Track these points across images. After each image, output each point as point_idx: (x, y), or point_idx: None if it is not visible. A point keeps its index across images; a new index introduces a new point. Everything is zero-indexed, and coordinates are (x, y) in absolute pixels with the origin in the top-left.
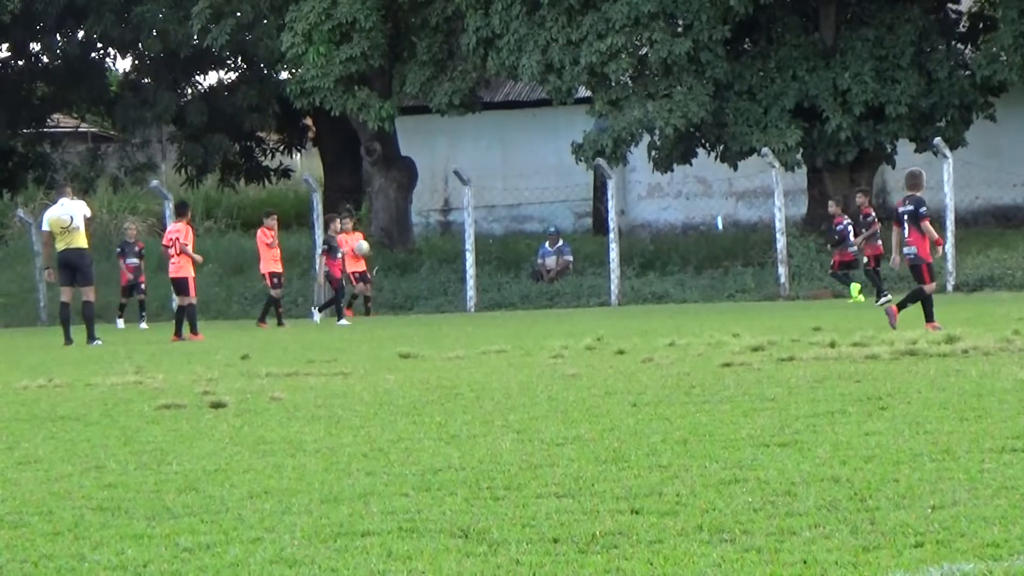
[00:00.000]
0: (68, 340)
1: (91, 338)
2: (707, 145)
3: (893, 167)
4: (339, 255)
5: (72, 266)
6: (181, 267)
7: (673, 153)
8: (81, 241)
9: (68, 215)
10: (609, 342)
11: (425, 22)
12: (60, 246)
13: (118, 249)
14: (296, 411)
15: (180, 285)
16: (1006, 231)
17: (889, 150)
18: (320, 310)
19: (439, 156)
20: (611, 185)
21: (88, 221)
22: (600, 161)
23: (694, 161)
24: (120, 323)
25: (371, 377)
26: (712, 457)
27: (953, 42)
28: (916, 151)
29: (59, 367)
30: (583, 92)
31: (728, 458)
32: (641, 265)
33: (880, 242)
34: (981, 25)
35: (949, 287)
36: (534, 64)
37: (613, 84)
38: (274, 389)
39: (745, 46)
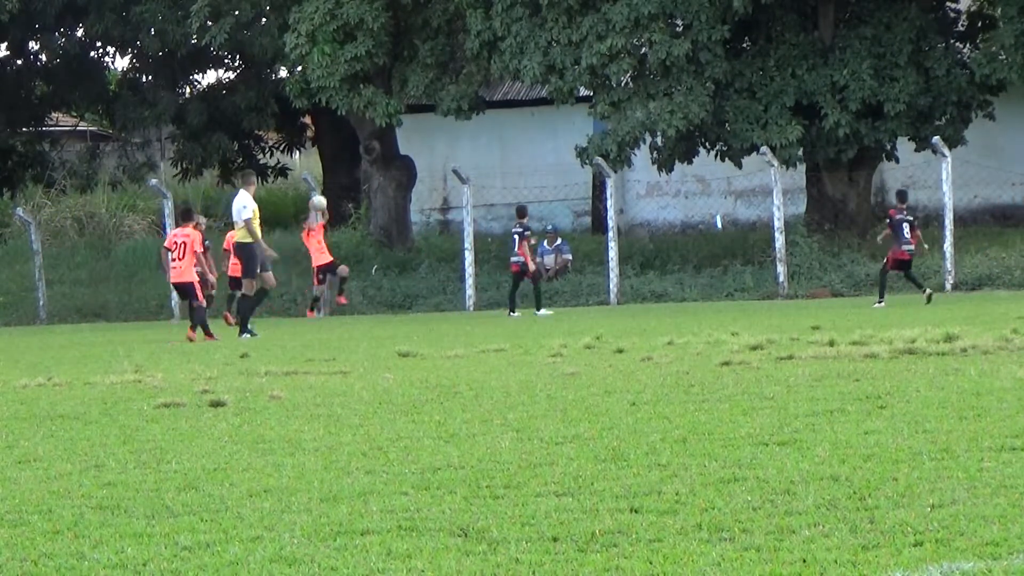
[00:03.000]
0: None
1: (242, 330)
2: (708, 144)
3: (897, 161)
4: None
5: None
6: (184, 272)
7: (675, 153)
8: (240, 235)
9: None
10: (608, 341)
11: (426, 22)
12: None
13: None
14: (295, 410)
15: (185, 290)
16: (1005, 230)
17: (889, 147)
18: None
19: (438, 155)
20: (610, 184)
21: (254, 216)
22: (599, 160)
23: (693, 160)
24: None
25: (370, 376)
26: (711, 456)
27: (952, 40)
28: (915, 150)
29: (58, 366)
30: (583, 91)
31: (727, 457)
32: (640, 264)
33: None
34: (980, 24)
35: (948, 286)
36: (536, 66)
37: (614, 85)
38: (273, 388)
39: (744, 45)
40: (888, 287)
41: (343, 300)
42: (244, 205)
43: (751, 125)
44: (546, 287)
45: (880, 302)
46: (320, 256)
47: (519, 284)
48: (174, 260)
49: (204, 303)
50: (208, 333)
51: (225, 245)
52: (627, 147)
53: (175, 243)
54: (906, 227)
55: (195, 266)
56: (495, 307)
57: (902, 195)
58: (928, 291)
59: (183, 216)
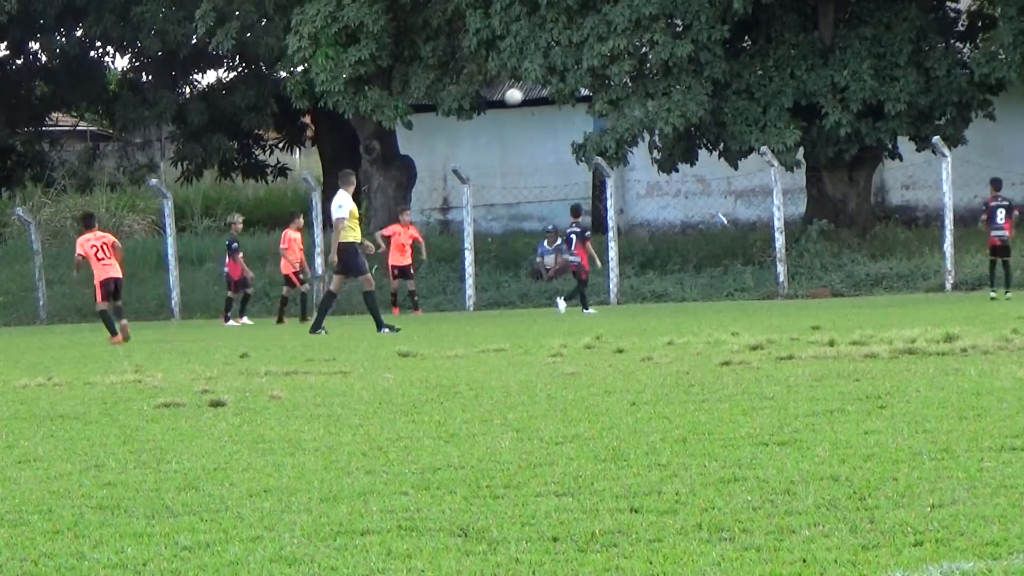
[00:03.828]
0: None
1: (380, 326)
2: (707, 144)
3: (901, 159)
4: (241, 256)
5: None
6: (117, 268)
7: (675, 153)
8: (342, 234)
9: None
10: (608, 341)
11: (427, 23)
12: None
13: (233, 245)
14: (295, 410)
15: (119, 286)
16: None
17: (890, 146)
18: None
19: (438, 155)
20: (610, 184)
21: (351, 215)
22: (599, 160)
23: (694, 161)
24: (238, 320)
25: (370, 376)
26: (711, 456)
27: (952, 40)
28: (916, 150)
29: (58, 366)
30: (583, 92)
31: (727, 457)
32: (640, 264)
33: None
34: (980, 23)
35: (948, 286)
36: (537, 67)
37: (614, 85)
38: (273, 387)
39: (744, 45)
40: (889, 286)
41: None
42: (340, 204)
43: (749, 127)
44: (546, 287)
45: (993, 292)
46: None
47: (585, 282)
48: (103, 260)
49: (105, 307)
50: (113, 332)
51: (283, 244)
52: (625, 145)
53: (96, 246)
54: (1001, 212)
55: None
56: (495, 307)
57: (996, 182)
58: (1007, 292)
59: (85, 222)
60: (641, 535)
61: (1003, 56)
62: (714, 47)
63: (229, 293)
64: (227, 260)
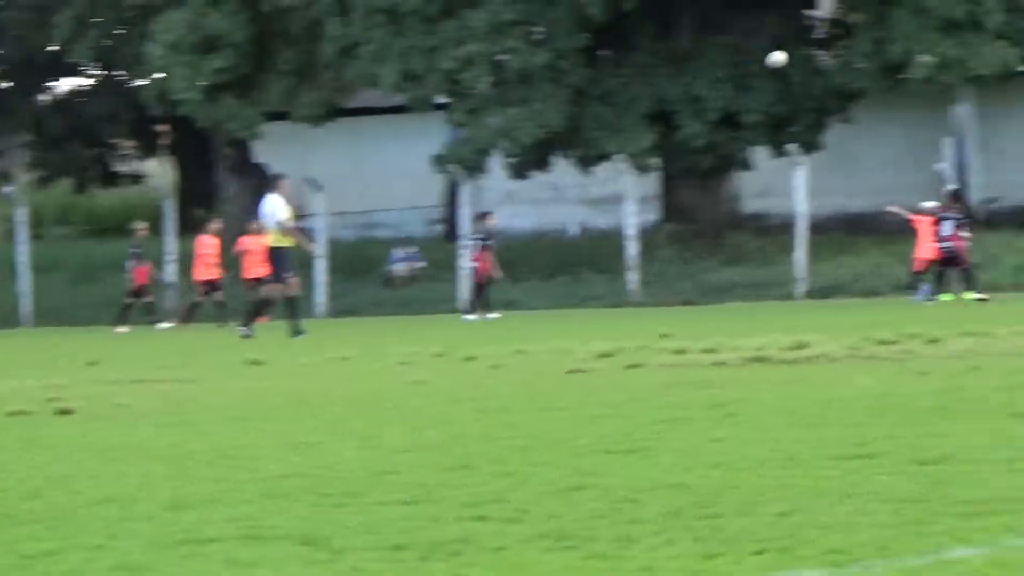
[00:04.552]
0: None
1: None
2: (563, 151)
3: (748, 170)
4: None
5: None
6: None
7: (529, 160)
8: (273, 238)
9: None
10: (458, 349)
11: (287, 30)
12: None
13: (136, 251)
14: (143, 417)
15: None
16: (858, 238)
17: (744, 156)
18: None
19: (293, 162)
20: (464, 192)
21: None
22: (454, 167)
23: (548, 168)
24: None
25: (219, 383)
26: (557, 464)
27: (809, 48)
28: (772, 157)
29: None
30: (440, 99)
31: (573, 465)
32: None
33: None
34: (838, 31)
35: (799, 294)
36: (393, 73)
37: (471, 92)
38: (122, 395)
39: (602, 52)
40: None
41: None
42: (274, 209)
43: (605, 133)
44: (398, 295)
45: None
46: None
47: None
48: None
49: None
50: None
51: (205, 249)
52: (484, 154)
53: None
54: (948, 224)
55: None
56: (347, 315)
57: (954, 195)
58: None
59: None
60: (486, 543)
61: (860, 64)
62: (572, 55)
63: (127, 300)
64: (134, 265)
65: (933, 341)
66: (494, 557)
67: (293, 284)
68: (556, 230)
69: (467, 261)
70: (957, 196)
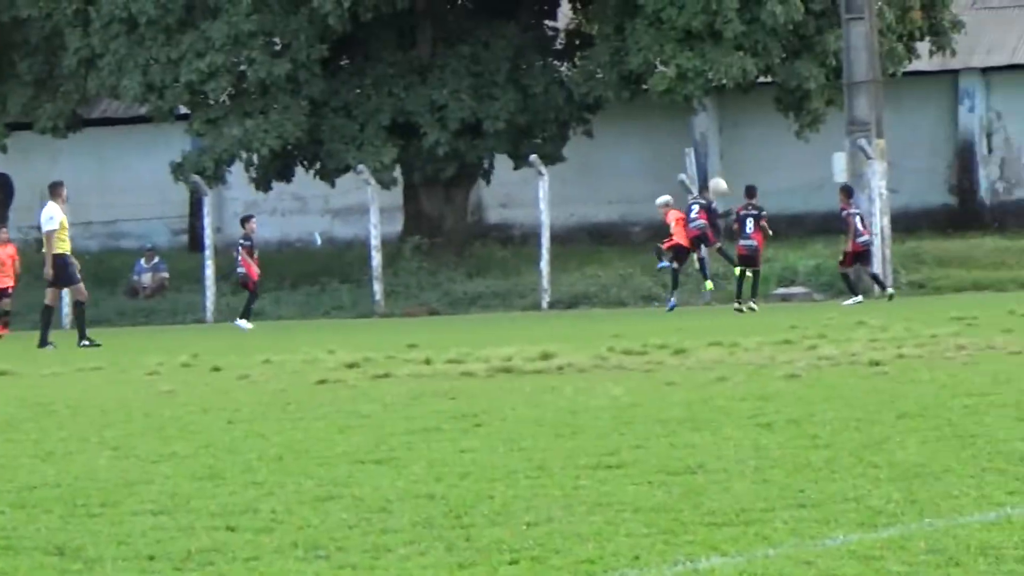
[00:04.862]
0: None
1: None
2: (304, 163)
3: (488, 183)
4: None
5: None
6: None
7: (271, 171)
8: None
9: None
10: (205, 359)
11: (27, 40)
12: None
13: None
14: None
15: None
16: (601, 248)
17: (486, 166)
18: None
19: (37, 172)
20: (207, 202)
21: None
22: (196, 178)
23: (291, 179)
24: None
25: None
26: (307, 474)
27: (550, 59)
28: (514, 168)
29: None
30: (182, 109)
31: (323, 475)
32: (237, 282)
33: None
34: (578, 42)
35: (544, 304)
36: (135, 84)
37: (212, 103)
38: None
39: (342, 63)
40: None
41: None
42: (51, 216)
43: (347, 145)
44: (143, 305)
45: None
46: None
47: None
48: None
49: None
50: None
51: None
52: (223, 164)
53: None
54: (751, 222)
55: None
56: (92, 326)
57: (751, 190)
58: (752, 306)
59: None
60: (238, 553)
61: (601, 75)
62: (312, 65)
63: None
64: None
65: (680, 352)
66: (246, 567)
67: (78, 291)
68: (301, 240)
69: (238, 267)
70: (752, 191)
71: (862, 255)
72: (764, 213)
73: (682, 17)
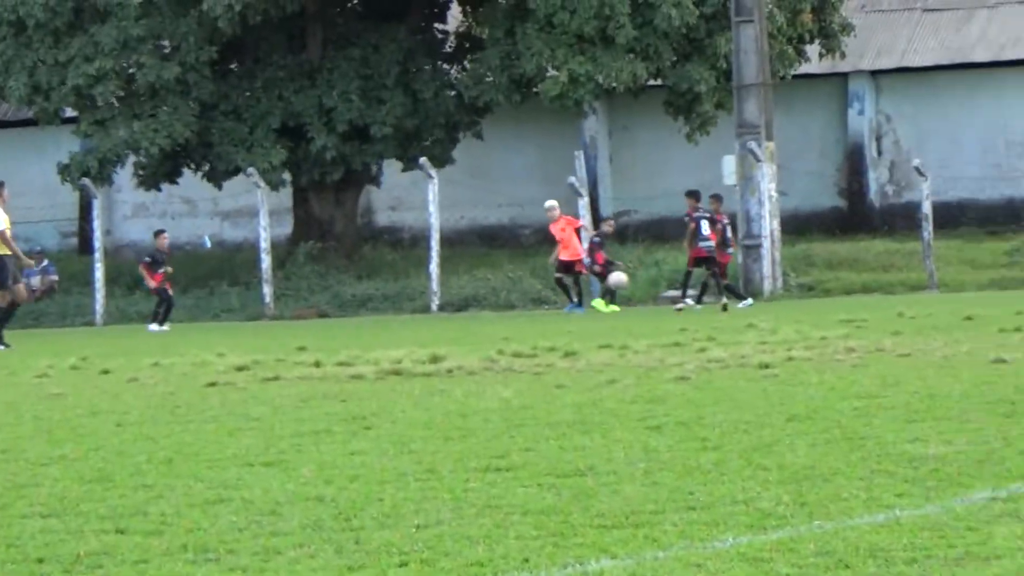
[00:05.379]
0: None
1: None
2: (193, 165)
3: (379, 186)
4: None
5: None
6: None
7: (159, 172)
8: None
9: None
10: (94, 362)
11: None
12: None
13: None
14: None
15: None
16: (491, 251)
17: (375, 170)
18: None
19: None
20: (96, 205)
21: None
22: (86, 181)
23: (180, 181)
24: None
25: None
26: (197, 477)
27: (439, 62)
28: (403, 171)
29: None
30: (70, 112)
31: (213, 478)
32: (127, 285)
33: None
34: (468, 45)
35: (434, 307)
36: (21, 86)
37: (100, 105)
38: None
39: (232, 66)
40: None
41: None
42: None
43: (236, 148)
44: (32, 308)
45: (683, 303)
46: None
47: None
48: None
49: None
50: None
51: None
52: (109, 165)
53: None
54: (706, 224)
55: None
56: None
57: (695, 194)
58: (724, 302)
59: None
60: (127, 556)
61: (491, 78)
62: (202, 68)
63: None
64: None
65: (570, 354)
66: (135, 570)
67: (20, 291)
68: (190, 243)
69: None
70: (697, 195)
71: (707, 260)
72: (716, 216)
73: (574, 22)
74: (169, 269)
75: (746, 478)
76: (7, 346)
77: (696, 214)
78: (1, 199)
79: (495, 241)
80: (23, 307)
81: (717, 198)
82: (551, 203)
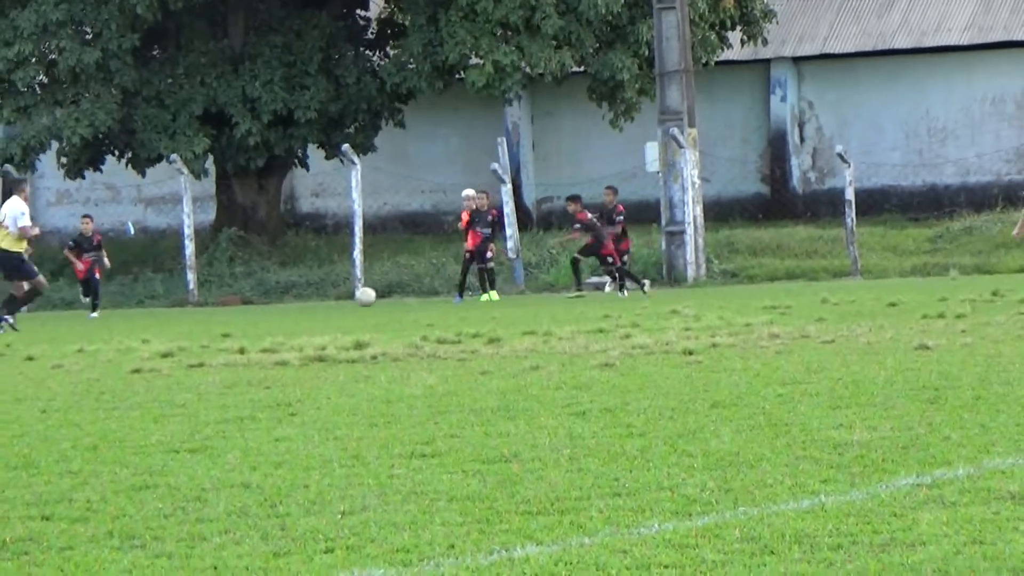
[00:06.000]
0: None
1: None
2: (116, 152)
3: (308, 169)
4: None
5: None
6: None
7: (81, 159)
8: (7, 242)
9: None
10: (18, 348)
11: None
12: None
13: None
14: None
15: None
16: (415, 237)
17: (300, 155)
18: None
19: None
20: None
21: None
22: (8, 167)
23: (103, 168)
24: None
25: None
26: (122, 463)
27: (362, 49)
28: (326, 157)
29: None
30: None
31: (139, 464)
32: (52, 272)
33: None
34: (390, 32)
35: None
36: None
37: (22, 91)
38: None
39: (154, 53)
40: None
41: None
42: (22, 212)
43: (159, 135)
44: None
45: (576, 290)
46: None
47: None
48: None
49: None
50: None
51: None
52: (32, 151)
53: None
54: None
55: None
56: None
57: (576, 198)
58: (581, 294)
59: None
60: (52, 543)
61: (413, 65)
62: (124, 55)
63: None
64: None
65: (494, 341)
66: (61, 557)
67: (40, 281)
68: (114, 230)
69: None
70: (613, 189)
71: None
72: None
73: (499, 11)
74: (107, 263)
75: (671, 464)
76: (14, 328)
77: (588, 220)
78: (24, 194)
79: (418, 228)
80: None
81: (612, 189)
82: (468, 192)
